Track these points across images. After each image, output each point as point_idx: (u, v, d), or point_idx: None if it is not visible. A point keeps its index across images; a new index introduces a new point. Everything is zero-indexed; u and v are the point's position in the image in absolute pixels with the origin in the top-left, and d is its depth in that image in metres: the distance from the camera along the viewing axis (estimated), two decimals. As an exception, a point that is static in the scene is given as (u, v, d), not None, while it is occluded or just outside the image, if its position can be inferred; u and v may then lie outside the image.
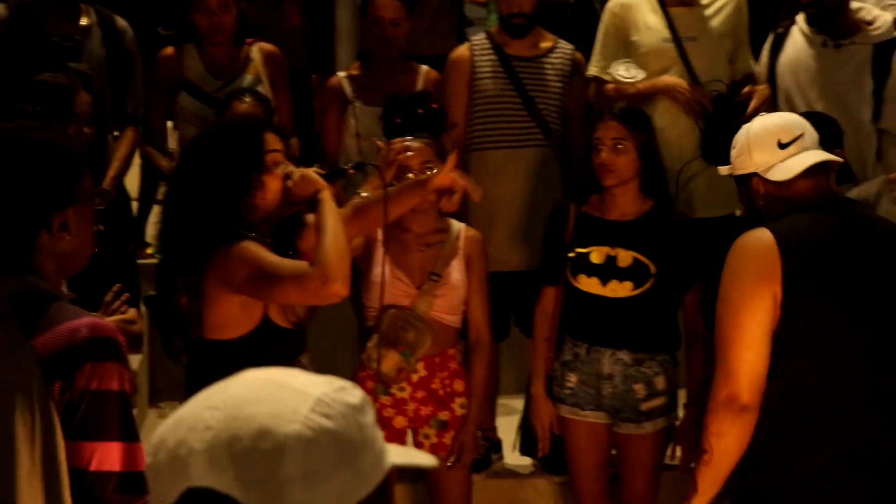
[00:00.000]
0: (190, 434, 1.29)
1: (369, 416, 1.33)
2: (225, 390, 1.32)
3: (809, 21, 4.80)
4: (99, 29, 4.83)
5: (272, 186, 3.08)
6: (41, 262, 2.24)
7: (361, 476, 1.29)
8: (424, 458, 1.38)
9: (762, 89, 4.73)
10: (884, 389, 3.06)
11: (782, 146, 3.22)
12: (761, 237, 3.09)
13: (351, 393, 1.32)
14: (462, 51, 4.93)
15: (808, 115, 3.54)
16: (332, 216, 3.06)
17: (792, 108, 4.49)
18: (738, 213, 4.58)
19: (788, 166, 3.20)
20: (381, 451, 1.33)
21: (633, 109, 4.25)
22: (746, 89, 4.73)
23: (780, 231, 3.09)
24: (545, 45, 4.91)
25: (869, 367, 3.06)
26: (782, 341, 3.03)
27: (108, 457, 2.14)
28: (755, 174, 3.24)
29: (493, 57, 4.86)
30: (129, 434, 2.17)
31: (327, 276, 2.90)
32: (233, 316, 3.04)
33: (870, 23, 4.82)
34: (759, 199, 3.24)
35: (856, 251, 3.11)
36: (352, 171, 3.45)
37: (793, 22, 4.91)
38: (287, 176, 3.11)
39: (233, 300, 3.02)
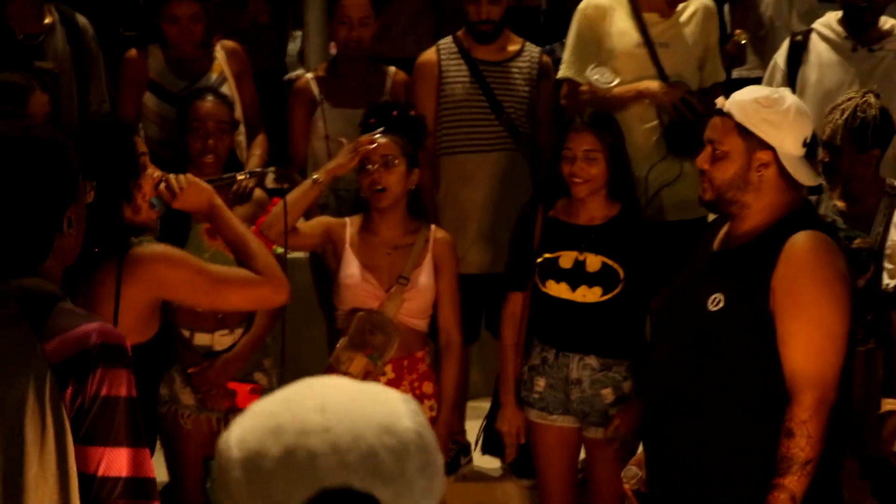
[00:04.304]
0: (303, 438, 1.30)
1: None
2: (313, 395, 1.34)
3: (850, 24, 4.83)
4: (62, 27, 4.80)
5: (147, 190, 3.03)
6: (48, 262, 2.25)
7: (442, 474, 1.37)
8: None
9: None
10: None
11: (805, 144, 3.21)
12: (832, 243, 3.14)
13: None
14: (429, 55, 4.91)
15: None
16: (238, 223, 3.09)
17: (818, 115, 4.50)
18: (709, 218, 4.59)
19: (810, 174, 3.21)
20: None
21: (604, 116, 4.23)
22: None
23: (831, 236, 3.16)
24: (512, 48, 4.90)
25: None
26: (850, 341, 3.14)
27: (115, 462, 2.14)
28: (769, 146, 3.17)
29: (460, 61, 4.85)
30: (136, 440, 2.18)
31: (276, 284, 2.99)
32: (144, 319, 2.95)
33: (889, 32, 4.90)
34: (751, 169, 3.17)
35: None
36: (244, 176, 3.46)
37: (811, 30, 4.94)
38: (162, 181, 3.06)
39: (146, 301, 2.92)
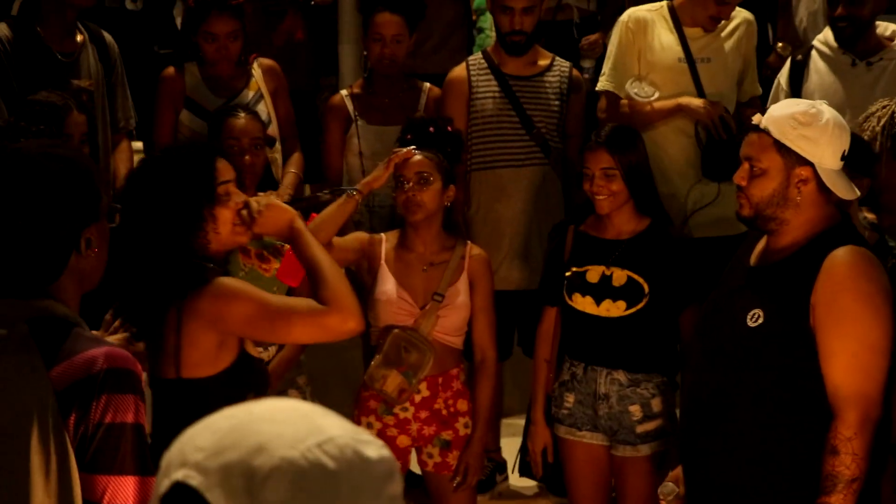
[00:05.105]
0: (199, 434, 1.29)
1: (393, 483, 1.29)
2: (250, 405, 1.32)
3: (838, 39, 4.79)
4: (91, 45, 4.83)
5: (224, 219, 2.90)
6: (64, 282, 2.22)
7: None
8: None
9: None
10: None
11: (843, 157, 3.18)
12: (873, 257, 3.11)
13: (372, 448, 1.28)
14: (459, 71, 4.91)
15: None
16: (317, 247, 2.96)
17: None
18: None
19: (849, 187, 3.18)
20: None
21: (621, 131, 4.18)
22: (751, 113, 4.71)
23: (870, 251, 3.12)
24: (542, 62, 4.89)
25: None
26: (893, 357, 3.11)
27: (121, 491, 2.10)
28: (808, 162, 3.13)
29: (490, 76, 4.84)
30: (143, 468, 2.13)
31: (345, 313, 2.83)
32: (210, 353, 2.86)
33: (891, 38, 4.84)
34: (790, 185, 3.13)
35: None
36: (328, 196, 3.41)
37: (811, 47, 4.90)
38: (244, 206, 2.94)
39: (211, 338, 2.85)
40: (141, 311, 2.92)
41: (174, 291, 2.83)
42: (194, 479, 1.26)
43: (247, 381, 2.92)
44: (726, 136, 4.54)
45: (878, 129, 4.11)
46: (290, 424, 1.27)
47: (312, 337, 2.99)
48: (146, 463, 2.13)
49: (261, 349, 4.18)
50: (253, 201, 2.97)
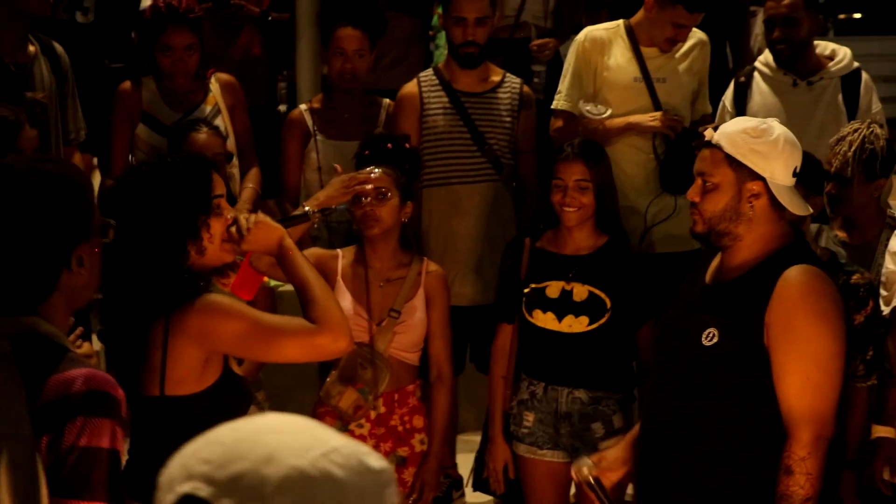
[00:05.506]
0: (203, 447, 1.30)
1: (393, 492, 1.32)
2: (252, 419, 1.34)
3: (777, 60, 4.85)
4: (43, 56, 4.79)
5: (216, 231, 2.87)
6: (53, 300, 2.17)
7: None
8: None
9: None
10: None
11: (794, 174, 3.19)
12: (826, 276, 3.12)
13: (373, 458, 1.32)
14: (411, 87, 4.90)
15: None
16: (306, 266, 2.93)
17: None
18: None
19: (801, 204, 3.19)
20: None
21: (593, 145, 4.22)
22: (701, 128, 4.74)
23: (823, 270, 3.14)
24: (494, 78, 4.90)
25: None
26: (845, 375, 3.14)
27: None
28: (759, 176, 3.14)
29: (441, 92, 4.84)
30: (115, 495, 2.08)
31: (336, 332, 2.82)
32: (196, 370, 2.82)
33: (830, 57, 4.90)
34: (742, 200, 3.14)
35: None
36: (317, 214, 3.39)
37: (753, 69, 4.94)
38: (233, 222, 2.92)
39: (198, 355, 2.81)
40: (126, 325, 2.87)
41: (163, 305, 2.79)
42: (203, 491, 1.27)
43: (230, 398, 2.89)
44: (682, 132, 4.57)
45: (849, 153, 4.16)
46: (294, 435, 1.30)
47: (303, 356, 2.97)
48: (118, 491, 2.09)
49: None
50: (242, 218, 2.95)
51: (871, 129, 4.21)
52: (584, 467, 3.37)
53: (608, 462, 3.38)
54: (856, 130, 4.23)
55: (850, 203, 4.23)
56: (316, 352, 2.89)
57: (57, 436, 2.05)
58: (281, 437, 1.29)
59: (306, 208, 3.60)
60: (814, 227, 4.37)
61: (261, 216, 3.00)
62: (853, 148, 4.17)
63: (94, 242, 2.23)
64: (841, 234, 4.32)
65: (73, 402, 2.05)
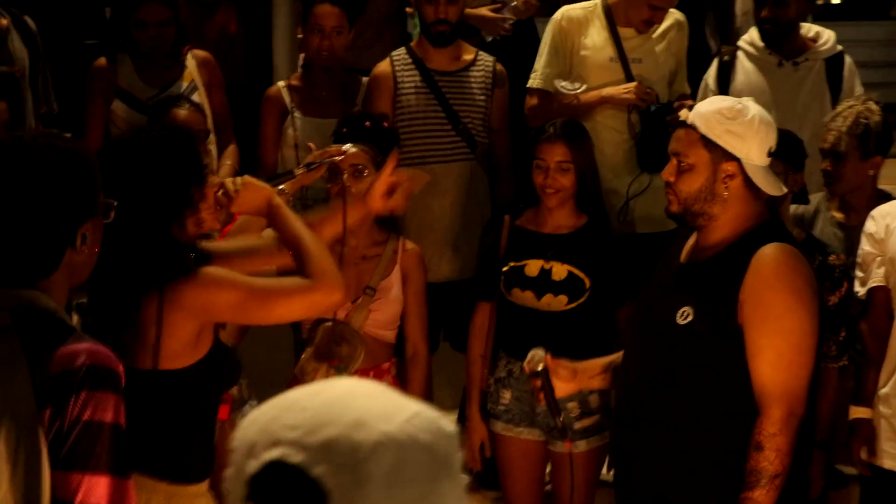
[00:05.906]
0: (285, 413, 1.30)
1: (460, 454, 1.35)
2: (327, 384, 1.35)
3: (765, 40, 4.86)
4: (15, 30, 4.76)
5: (209, 199, 2.92)
6: (55, 276, 2.17)
7: (441, 498, 1.31)
8: None
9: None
10: None
11: (770, 154, 3.19)
12: (800, 255, 3.13)
13: (446, 421, 1.35)
14: (384, 66, 4.88)
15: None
16: (297, 222, 2.94)
17: None
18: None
19: (776, 184, 3.19)
20: (463, 491, 1.35)
21: (575, 126, 4.23)
22: (677, 104, 4.74)
23: (798, 249, 3.15)
24: (466, 57, 4.89)
25: None
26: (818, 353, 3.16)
27: (94, 490, 2.05)
28: (734, 157, 3.14)
29: (414, 71, 4.83)
30: (119, 469, 2.08)
31: (330, 286, 2.83)
32: (190, 343, 2.82)
33: (814, 39, 4.91)
34: (717, 180, 3.15)
35: None
36: (301, 171, 3.39)
37: (737, 48, 4.94)
38: (220, 187, 2.95)
39: (192, 327, 2.81)
40: (119, 299, 2.86)
41: (156, 279, 2.78)
42: (295, 457, 1.27)
43: (221, 370, 2.91)
44: (660, 108, 4.57)
45: (843, 129, 4.15)
46: (376, 399, 1.32)
47: (300, 313, 3.01)
48: (122, 463, 2.08)
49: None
50: (228, 181, 2.97)
51: (866, 105, 4.21)
52: (537, 359, 3.37)
53: (566, 372, 3.39)
54: (851, 106, 4.23)
55: (846, 181, 4.22)
56: (312, 307, 2.91)
57: (59, 409, 2.05)
58: (365, 402, 1.31)
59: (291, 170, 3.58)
60: (811, 207, 4.37)
61: (247, 178, 3.02)
62: (847, 122, 4.17)
63: (98, 221, 2.24)
64: (838, 216, 4.32)
65: (77, 376, 2.06)
